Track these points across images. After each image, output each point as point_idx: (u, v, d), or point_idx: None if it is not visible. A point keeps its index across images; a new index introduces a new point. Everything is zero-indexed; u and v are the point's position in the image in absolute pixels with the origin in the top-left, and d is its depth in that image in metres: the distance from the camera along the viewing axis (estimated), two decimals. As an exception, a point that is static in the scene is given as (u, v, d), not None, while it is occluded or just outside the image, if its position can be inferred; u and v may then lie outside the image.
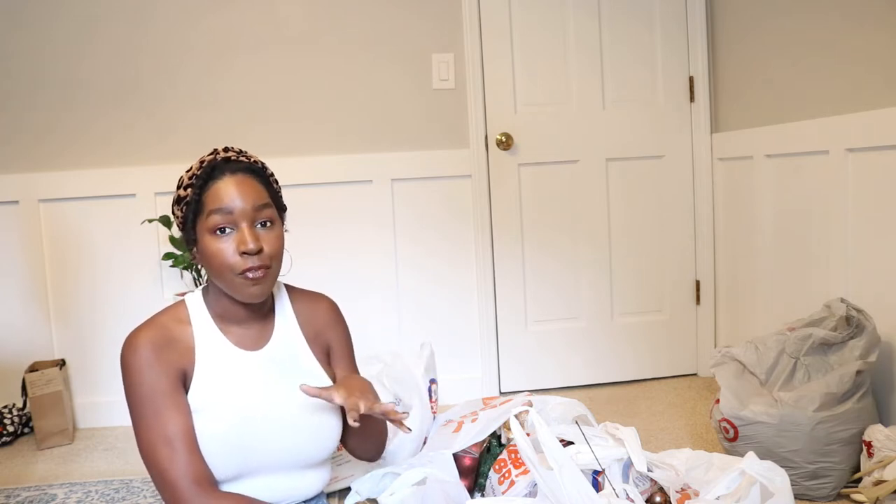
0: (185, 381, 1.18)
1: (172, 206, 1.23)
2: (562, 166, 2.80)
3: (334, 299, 1.44)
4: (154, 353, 1.15)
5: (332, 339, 1.37)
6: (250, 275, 1.15)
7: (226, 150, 1.23)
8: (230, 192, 1.16)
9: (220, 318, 1.24)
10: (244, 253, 1.15)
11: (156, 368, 1.14)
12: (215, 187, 1.16)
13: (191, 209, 1.17)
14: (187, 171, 1.20)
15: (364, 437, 1.33)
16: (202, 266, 1.22)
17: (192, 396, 1.18)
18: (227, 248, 1.15)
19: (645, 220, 2.86)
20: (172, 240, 2.49)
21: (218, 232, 1.15)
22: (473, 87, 2.71)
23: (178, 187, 1.21)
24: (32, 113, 2.60)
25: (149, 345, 1.15)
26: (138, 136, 2.63)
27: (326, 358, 1.36)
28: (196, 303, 1.25)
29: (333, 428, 1.27)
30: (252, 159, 1.23)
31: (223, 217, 1.15)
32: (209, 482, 1.14)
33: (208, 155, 1.22)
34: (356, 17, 2.67)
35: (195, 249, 1.21)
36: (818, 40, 2.18)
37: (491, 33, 2.71)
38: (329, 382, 1.30)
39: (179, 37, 2.62)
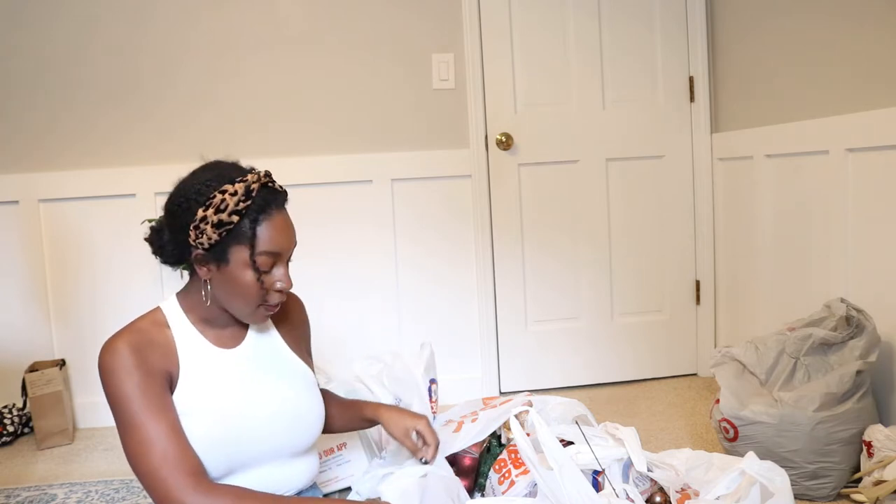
0: (170, 384, 1.19)
1: (199, 222, 1.15)
2: (562, 166, 2.80)
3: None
4: (134, 354, 1.14)
5: (304, 334, 1.45)
6: (274, 308, 1.23)
7: (267, 175, 1.21)
8: (282, 234, 1.20)
9: (199, 321, 1.26)
10: (279, 291, 1.21)
11: (138, 369, 1.14)
12: (268, 225, 1.17)
13: (235, 237, 1.16)
14: (231, 195, 1.14)
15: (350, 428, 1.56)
16: (217, 286, 1.20)
17: (180, 397, 1.18)
18: (266, 281, 1.20)
19: (645, 220, 2.86)
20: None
21: (262, 268, 1.18)
22: (473, 87, 2.71)
23: (215, 208, 1.14)
24: (32, 113, 2.60)
25: (128, 347, 1.15)
26: (138, 136, 2.64)
27: (302, 350, 1.42)
28: (172, 308, 1.26)
29: (316, 414, 1.32)
30: (283, 188, 1.24)
31: (272, 258, 1.19)
32: (204, 475, 1.14)
33: (253, 179, 1.17)
34: (356, 18, 2.67)
35: (209, 268, 1.19)
36: (818, 40, 2.18)
37: (491, 33, 2.71)
38: (307, 371, 1.36)
39: (179, 37, 2.62)
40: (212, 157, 1.26)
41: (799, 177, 2.29)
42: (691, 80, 2.82)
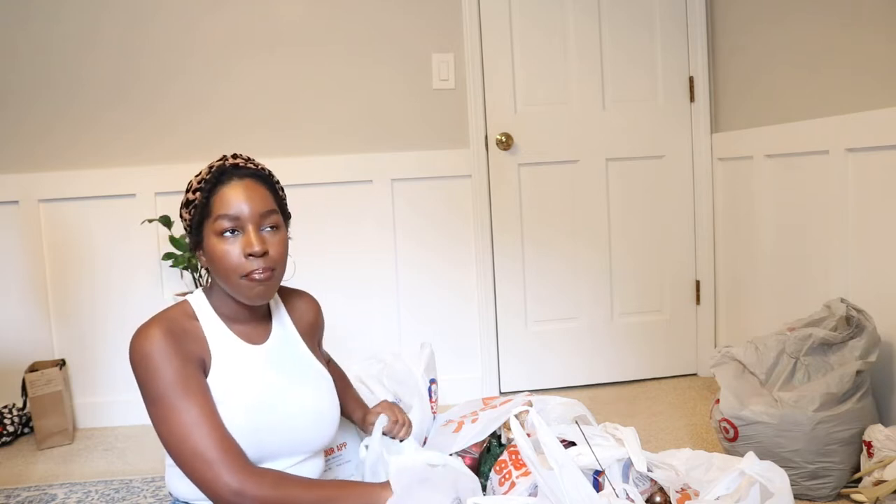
0: (204, 371, 1.20)
1: (181, 209, 1.25)
2: (562, 166, 2.80)
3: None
4: (171, 341, 1.15)
5: (319, 333, 1.48)
6: (256, 276, 1.19)
7: (234, 156, 1.25)
8: (238, 197, 1.19)
9: (225, 316, 1.27)
10: (249, 255, 1.18)
11: (176, 355, 1.15)
12: (223, 191, 1.19)
13: (198, 212, 1.20)
14: (196, 176, 1.23)
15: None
16: (208, 268, 1.24)
17: (213, 385, 1.20)
18: (232, 250, 1.18)
19: (645, 220, 2.86)
20: (172, 240, 2.49)
21: (225, 234, 1.18)
22: (473, 87, 2.71)
23: (187, 191, 1.24)
24: (32, 113, 2.60)
25: (165, 333, 1.16)
26: (138, 136, 2.64)
27: (317, 351, 1.45)
28: (199, 301, 1.28)
29: (333, 415, 1.34)
30: (259, 166, 1.26)
31: (230, 221, 1.18)
32: (246, 457, 1.16)
33: (217, 161, 1.24)
34: (356, 18, 2.67)
35: (200, 252, 1.24)
36: (818, 40, 2.18)
37: (491, 33, 2.71)
38: (325, 372, 1.38)
39: (180, 37, 2.62)
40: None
41: (799, 177, 2.29)
42: (691, 80, 2.82)
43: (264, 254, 1.19)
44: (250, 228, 1.19)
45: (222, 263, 1.18)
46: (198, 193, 1.20)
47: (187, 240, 1.25)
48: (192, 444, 1.11)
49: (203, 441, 1.11)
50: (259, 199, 1.21)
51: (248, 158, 1.26)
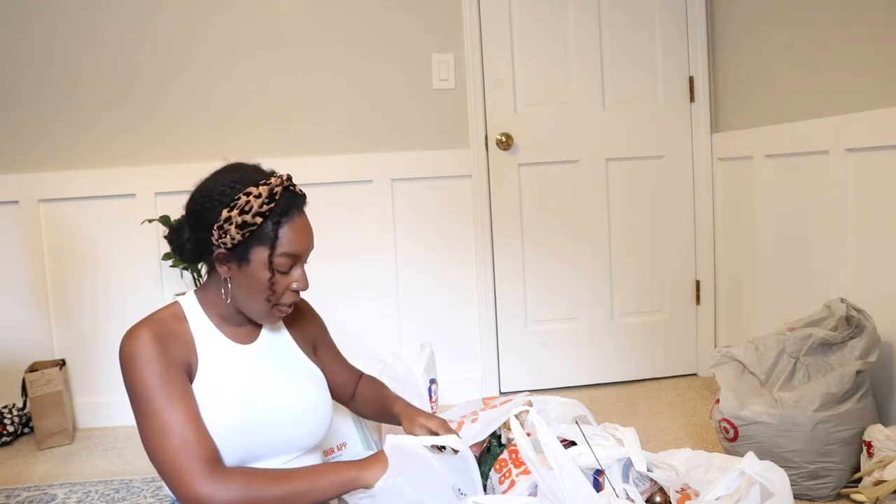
0: (189, 374, 1.21)
1: (223, 222, 1.17)
2: (562, 166, 2.80)
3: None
4: (157, 343, 1.17)
5: (315, 334, 1.48)
6: (286, 309, 1.26)
7: (289, 178, 1.23)
8: (303, 237, 1.23)
9: (216, 317, 1.28)
10: (294, 291, 1.24)
11: (160, 358, 1.16)
12: (290, 227, 1.20)
13: (257, 238, 1.18)
14: (255, 197, 1.17)
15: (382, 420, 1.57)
16: (236, 284, 1.23)
17: (199, 388, 1.20)
18: (283, 282, 1.23)
19: (645, 220, 2.86)
20: (172, 240, 2.49)
21: (282, 270, 1.21)
22: (473, 87, 2.71)
23: (240, 210, 1.16)
24: (32, 113, 2.60)
25: (152, 336, 1.17)
26: (138, 136, 2.64)
27: (312, 349, 1.45)
28: (190, 303, 1.29)
29: (324, 412, 1.34)
30: (303, 192, 1.27)
31: (292, 260, 1.22)
32: (218, 462, 1.16)
33: (276, 183, 1.19)
34: (356, 18, 2.68)
35: (231, 267, 1.21)
36: (818, 40, 2.18)
37: (491, 33, 2.71)
38: (316, 370, 1.39)
39: (180, 37, 2.62)
40: (232, 159, 1.28)
41: (799, 177, 2.29)
42: (691, 80, 2.82)
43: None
44: (300, 265, 1.25)
45: (265, 291, 1.21)
46: (258, 218, 1.16)
47: (219, 249, 1.19)
48: (167, 450, 1.12)
49: (176, 446, 1.12)
50: (312, 237, 1.26)
51: (291, 178, 1.24)
